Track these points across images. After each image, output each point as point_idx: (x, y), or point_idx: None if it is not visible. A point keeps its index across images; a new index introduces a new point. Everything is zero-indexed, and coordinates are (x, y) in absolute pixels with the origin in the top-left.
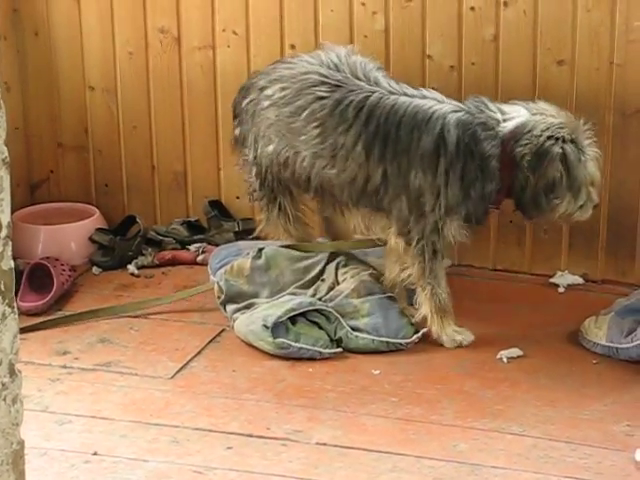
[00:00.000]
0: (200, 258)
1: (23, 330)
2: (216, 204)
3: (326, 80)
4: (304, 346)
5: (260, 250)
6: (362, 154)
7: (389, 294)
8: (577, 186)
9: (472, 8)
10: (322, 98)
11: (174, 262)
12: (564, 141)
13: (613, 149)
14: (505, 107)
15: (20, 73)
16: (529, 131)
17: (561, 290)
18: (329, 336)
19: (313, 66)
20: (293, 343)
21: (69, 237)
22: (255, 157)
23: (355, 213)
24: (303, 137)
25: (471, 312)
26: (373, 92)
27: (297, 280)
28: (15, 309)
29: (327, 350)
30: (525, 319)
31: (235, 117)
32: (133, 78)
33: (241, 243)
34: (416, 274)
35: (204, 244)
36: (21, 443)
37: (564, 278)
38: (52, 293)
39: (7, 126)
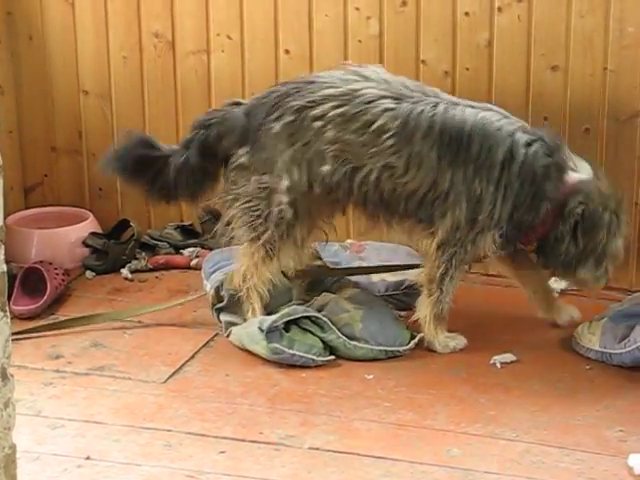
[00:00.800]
0: (194, 262)
1: (16, 334)
2: (210, 209)
3: (387, 94)
4: (297, 353)
5: None
6: (435, 160)
7: (382, 302)
8: (603, 258)
9: (466, 13)
10: (390, 110)
11: (168, 266)
12: (612, 212)
13: (606, 155)
14: (574, 157)
15: (14, 77)
16: (588, 192)
17: (555, 295)
18: (323, 343)
19: (362, 83)
20: (287, 349)
21: (63, 241)
22: (292, 184)
23: (397, 227)
24: (374, 149)
25: (465, 317)
26: (438, 102)
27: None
28: (8, 313)
29: (320, 358)
30: (519, 324)
31: (241, 143)
32: (127, 82)
33: (235, 248)
34: (434, 277)
35: (198, 248)
36: (13, 447)
37: (558, 284)
38: (45, 297)
39: (1, 130)
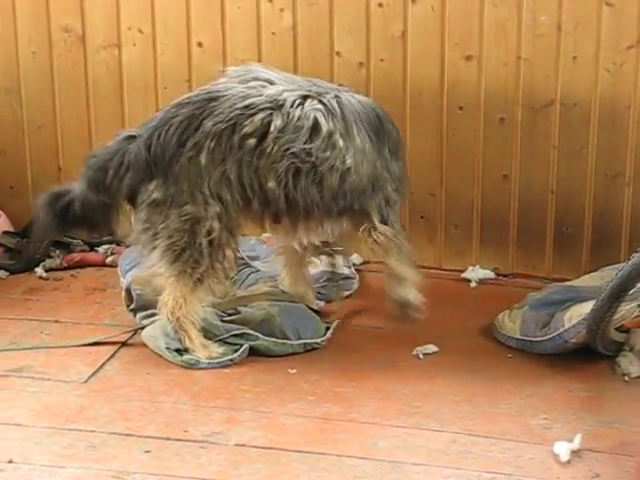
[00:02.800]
0: (109, 259)
1: None
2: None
3: (306, 93)
4: (213, 360)
5: None
6: (370, 150)
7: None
8: None
9: (380, 4)
10: (321, 109)
11: (83, 264)
12: None
13: (522, 143)
14: None
15: None
16: None
17: (473, 285)
18: (235, 344)
19: (271, 87)
20: (201, 360)
21: None
22: (224, 206)
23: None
24: (327, 153)
25: (384, 309)
26: (336, 93)
27: None
28: None
29: (236, 355)
30: (439, 315)
31: (149, 179)
32: (37, 78)
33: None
34: (388, 247)
35: (113, 245)
36: None
37: (476, 273)
38: None
39: None
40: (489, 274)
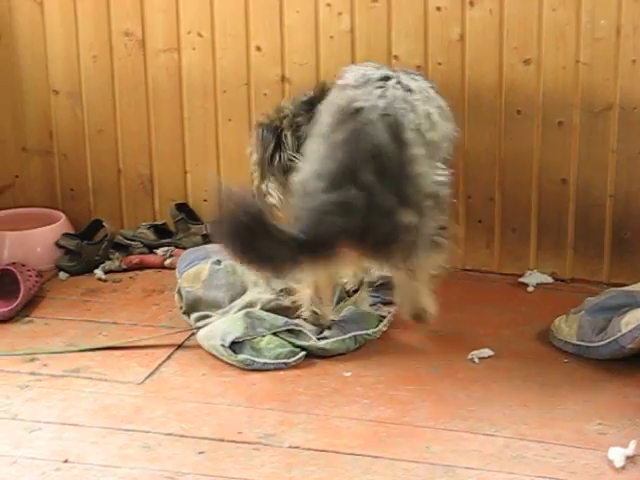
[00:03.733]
0: (168, 262)
1: None
2: (183, 207)
3: None
4: (268, 361)
5: (219, 261)
6: None
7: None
8: None
9: (438, 8)
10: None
11: (141, 266)
12: None
13: (580, 147)
14: None
15: None
16: None
17: (530, 289)
18: (291, 344)
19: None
20: (257, 359)
21: (35, 242)
22: None
23: None
24: None
25: (441, 313)
26: None
27: (257, 282)
28: None
29: (292, 360)
30: (495, 319)
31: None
32: (98, 81)
33: (209, 246)
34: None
35: (172, 248)
36: None
37: (533, 277)
38: (19, 299)
39: None
40: (546, 278)
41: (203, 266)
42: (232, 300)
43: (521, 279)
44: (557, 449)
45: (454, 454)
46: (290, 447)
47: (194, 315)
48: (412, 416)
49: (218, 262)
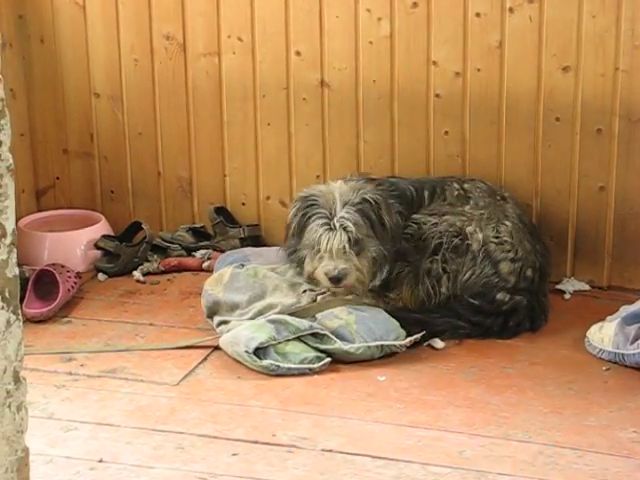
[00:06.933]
0: (206, 264)
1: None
2: (221, 210)
3: None
4: (293, 366)
5: (242, 265)
6: None
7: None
8: None
9: (477, 14)
10: None
11: (180, 269)
12: None
13: (619, 155)
14: None
15: (26, 80)
16: None
17: (567, 296)
18: (315, 349)
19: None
20: (281, 364)
21: (75, 244)
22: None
23: None
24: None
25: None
26: None
27: (279, 286)
28: (20, 316)
29: (316, 365)
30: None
31: None
32: (138, 84)
33: (247, 249)
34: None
35: (210, 250)
36: (26, 450)
37: (570, 284)
38: (58, 300)
39: (13, 133)
40: (584, 286)
41: (226, 269)
42: (250, 302)
43: (558, 286)
44: (590, 456)
45: (487, 460)
46: (323, 450)
47: (216, 319)
48: (445, 421)
49: (241, 265)
